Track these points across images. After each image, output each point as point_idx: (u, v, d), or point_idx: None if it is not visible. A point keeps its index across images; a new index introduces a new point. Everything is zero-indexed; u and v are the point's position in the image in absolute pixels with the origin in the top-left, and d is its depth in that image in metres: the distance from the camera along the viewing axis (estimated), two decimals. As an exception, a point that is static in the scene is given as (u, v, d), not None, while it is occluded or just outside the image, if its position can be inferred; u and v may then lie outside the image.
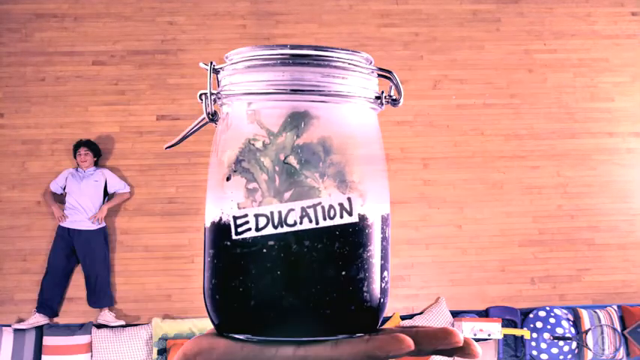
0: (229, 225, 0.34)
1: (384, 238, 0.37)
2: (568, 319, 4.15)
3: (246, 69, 0.36)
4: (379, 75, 0.39)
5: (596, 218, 4.53)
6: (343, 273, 0.34)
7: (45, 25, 4.59)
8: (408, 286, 4.40)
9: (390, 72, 0.39)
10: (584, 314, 4.18)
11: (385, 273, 0.37)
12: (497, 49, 4.73)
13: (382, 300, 0.36)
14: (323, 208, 0.34)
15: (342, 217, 0.34)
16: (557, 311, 4.19)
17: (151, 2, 4.67)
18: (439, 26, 4.75)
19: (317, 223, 0.34)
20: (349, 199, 0.34)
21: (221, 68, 0.37)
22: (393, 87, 0.40)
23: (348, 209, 0.34)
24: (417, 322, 4.17)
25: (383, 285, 0.37)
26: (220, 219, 0.35)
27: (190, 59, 4.59)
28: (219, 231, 0.35)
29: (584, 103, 4.68)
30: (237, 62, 0.36)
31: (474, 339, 3.96)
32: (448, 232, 4.46)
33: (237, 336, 0.34)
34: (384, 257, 0.37)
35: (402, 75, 4.86)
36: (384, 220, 0.37)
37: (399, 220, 4.45)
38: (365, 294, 0.35)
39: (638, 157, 4.64)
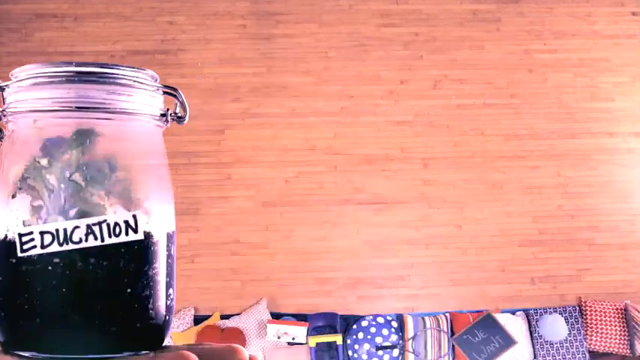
0: (15, 242, 0.34)
1: (169, 256, 0.38)
2: (391, 327, 4.10)
3: (32, 86, 0.36)
4: (165, 92, 0.39)
5: (596, 218, 4.53)
6: (129, 290, 0.35)
7: (45, 25, 4.59)
8: (408, 286, 4.40)
9: (175, 89, 0.39)
10: (409, 320, 4.14)
11: (171, 290, 0.38)
12: (497, 49, 4.73)
13: (167, 317, 0.37)
14: (108, 225, 0.34)
15: (127, 234, 0.35)
16: (380, 319, 4.12)
17: (150, 2, 4.67)
18: (439, 26, 4.74)
19: (102, 240, 0.34)
20: (134, 217, 0.35)
21: (6, 85, 0.37)
22: (179, 104, 0.40)
23: (134, 227, 0.35)
24: (233, 321, 4.11)
25: (168, 302, 0.38)
26: (6, 236, 0.35)
27: (190, 59, 4.60)
28: (5, 248, 0.35)
29: (585, 103, 4.68)
30: (23, 80, 0.36)
31: (289, 343, 3.97)
32: (448, 232, 4.46)
33: (23, 353, 0.34)
34: (170, 274, 0.38)
35: (402, 75, 4.91)
36: (170, 238, 0.38)
37: (399, 220, 4.45)
38: (150, 311, 0.36)
39: (638, 157, 4.63)
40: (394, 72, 4.65)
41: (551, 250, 4.47)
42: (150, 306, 0.36)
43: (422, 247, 4.44)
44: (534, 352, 4.12)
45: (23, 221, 0.34)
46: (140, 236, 0.35)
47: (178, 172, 4.40)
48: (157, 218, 0.37)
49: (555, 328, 4.12)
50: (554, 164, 4.59)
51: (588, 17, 4.82)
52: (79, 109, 0.35)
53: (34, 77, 0.35)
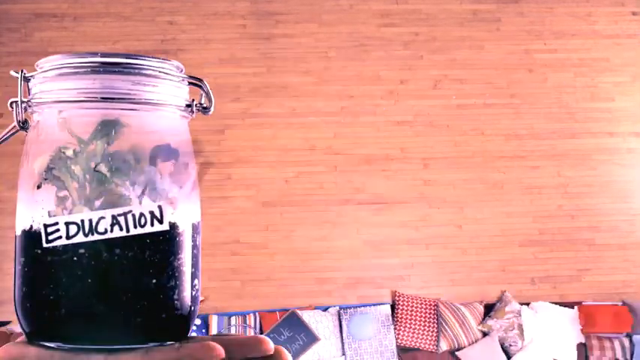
0: (40, 233, 0.34)
1: (194, 246, 0.37)
2: (195, 327, 4.10)
3: (57, 77, 0.35)
4: (190, 83, 0.39)
5: (596, 218, 4.53)
6: (154, 281, 0.34)
7: (44, 24, 4.59)
8: (408, 286, 4.39)
9: (200, 80, 0.39)
10: (214, 319, 4.15)
11: (196, 281, 0.37)
12: (497, 49, 4.73)
13: (193, 308, 0.37)
14: (134, 215, 0.34)
15: (152, 225, 0.34)
16: None
17: (150, 2, 4.66)
18: (439, 26, 4.74)
19: (128, 231, 0.34)
20: (160, 207, 0.35)
21: (32, 76, 0.37)
22: (204, 95, 0.39)
23: (159, 217, 0.35)
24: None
25: (193, 293, 0.37)
26: (31, 227, 0.35)
27: (190, 59, 4.59)
28: (30, 239, 0.35)
29: (585, 103, 4.68)
30: (48, 70, 0.36)
31: None
32: (448, 232, 4.46)
33: (48, 344, 0.34)
34: (195, 265, 0.37)
35: (402, 75, 4.90)
36: (195, 229, 0.38)
37: (399, 220, 4.45)
38: (176, 302, 0.35)
39: (638, 157, 4.63)
40: (394, 72, 4.64)
41: (552, 250, 4.47)
42: (175, 297, 0.35)
43: (422, 247, 4.44)
44: (343, 349, 4.11)
45: (48, 212, 0.34)
46: (165, 227, 0.35)
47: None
48: (182, 209, 0.36)
49: (362, 326, 4.12)
50: (555, 164, 4.59)
51: (588, 17, 4.82)
52: (104, 99, 0.35)
53: (59, 68, 0.35)
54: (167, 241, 0.35)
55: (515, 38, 4.75)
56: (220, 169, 4.44)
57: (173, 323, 0.36)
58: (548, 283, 4.44)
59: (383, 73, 4.64)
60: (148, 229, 0.34)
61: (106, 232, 0.34)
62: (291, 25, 4.69)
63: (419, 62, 4.68)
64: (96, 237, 0.33)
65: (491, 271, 4.44)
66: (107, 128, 0.35)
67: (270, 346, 0.34)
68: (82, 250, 0.33)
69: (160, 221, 0.35)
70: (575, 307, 4.31)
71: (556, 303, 4.35)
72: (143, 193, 0.35)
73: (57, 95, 0.35)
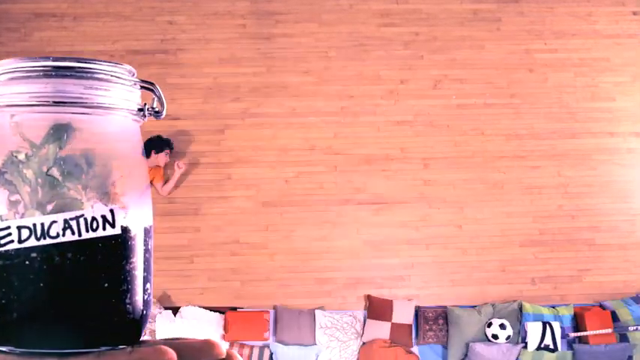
0: None
1: (146, 250, 0.37)
2: None
3: (9, 81, 0.35)
4: (142, 87, 0.39)
5: (596, 218, 4.53)
6: (106, 285, 0.35)
7: (44, 24, 4.58)
8: (408, 286, 4.39)
9: (152, 84, 0.39)
10: None
11: (148, 285, 0.38)
12: (497, 49, 4.72)
13: (145, 312, 0.37)
14: (86, 220, 0.34)
15: (104, 229, 0.35)
16: None
17: (150, 2, 4.66)
18: (439, 26, 4.74)
19: (80, 235, 0.34)
20: (112, 211, 0.35)
21: None
22: (156, 99, 0.40)
23: (111, 221, 0.35)
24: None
25: (145, 297, 0.37)
26: None
27: (190, 59, 4.59)
28: None
29: (585, 103, 4.67)
30: (0, 74, 0.36)
31: None
32: (448, 232, 4.45)
33: (0, 348, 0.34)
34: (147, 269, 0.38)
35: (402, 75, 4.88)
36: (147, 232, 0.38)
37: (399, 220, 4.45)
38: (128, 306, 0.36)
39: (638, 157, 4.63)
40: (394, 72, 4.64)
41: (552, 250, 4.47)
42: (127, 301, 0.36)
43: (422, 247, 4.43)
44: None
45: (0, 216, 0.34)
46: (117, 231, 0.35)
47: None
48: (135, 213, 0.36)
49: None
50: (555, 164, 4.58)
51: (589, 17, 4.82)
52: (56, 103, 0.35)
53: (11, 72, 0.35)
54: (119, 245, 0.35)
55: (516, 38, 4.74)
56: (220, 169, 4.44)
57: (125, 327, 0.36)
58: (548, 284, 4.43)
59: (383, 73, 4.64)
60: (100, 233, 0.34)
61: (58, 236, 0.33)
62: (291, 25, 4.68)
63: (419, 62, 4.67)
64: (48, 241, 0.33)
65: (491, 271, 4.43)
66: (59, 132, 0.35)
67: (222, 350, 0.35)
68: (34, 254, 0.33)
69: (112, 225, 0.35)
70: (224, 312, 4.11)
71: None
72: (95, 197, 0.35)
73: (9, 99, 0.35)
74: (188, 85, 4.52)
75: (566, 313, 4.22)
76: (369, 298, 4.30)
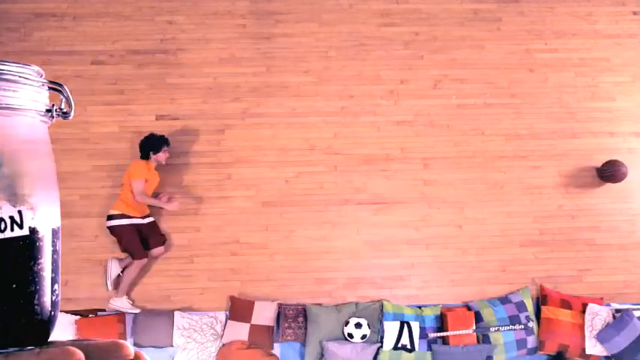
0: None
1: (54, 251, 0.37)
2: None
3: None
4: (50, 88, 0.39)
5: (596, 218, 4.52)
6: (14, 286, 0.34)
7: (44, 24, 4.58)
8: (408, 286, 4.38)
9: (60, 85, 0.39)
10: None
11: (56, 286, 0.38)
12: (497, 49, 4.72)
13: (53, 313, 0.37)
14: None
15: (12, 230, 0.34)
16: None
17: (150, 2, 4.65)
18: (439, 25, 4.73)
19: None
20: (20, 212, 0.35)
21: None
22: (64, 100, 0.40)
23: (19, 222, 0.35)
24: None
25: (54, 298, 0.37)
26: None
27: (190, 59, 4.58)
28: None
29: (585, 103, 4.67)
30: None
31: None
32: (448, 232, 4.45)
33: None
34: (55, 270, 0.37)
35: (402, 74, 4.87)
36: (55, 234, 0.38)
37: (399, 220, 4.44)
38: (36, 307, 0.35)
39: (638, 157, 4.62)
40: (394, 72, 4.64)
41: (552, 250, 4.46)
42: (35, 302, 0.35)
43: (422, 247, 4.43)
44: None
45: None
46: (25, 232, 0.35)
47: (179, 172, 4.39)
48: (43, 214, 0.36)
49: None
50: (555, 164, 4.58)
51: (589, 17, 4.81)
52: None
53: None
54: (27, 246, 0.35)
55: (516, 38, 4.74)
56: (220, 169, 4.43)
57: (33, 328, 0.36)
58: (548, 284, 4.43)
59: (383, 73, 4.63)
60: (7, 234, 0.34)
61: None
62: (291, 25, 4.68)
63: (419, 62, 4.67)
64: None
65: (491, 271, 4.43)
66: None
67: (130, 350, 0.35)
68: None
69: (20, 226, 0.35)
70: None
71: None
72: (3, 198, 0.35)
73: None
74: (188, 85, 4.52)
75: (431, 313, 4.18)
76: (231, 298, 4.21)
